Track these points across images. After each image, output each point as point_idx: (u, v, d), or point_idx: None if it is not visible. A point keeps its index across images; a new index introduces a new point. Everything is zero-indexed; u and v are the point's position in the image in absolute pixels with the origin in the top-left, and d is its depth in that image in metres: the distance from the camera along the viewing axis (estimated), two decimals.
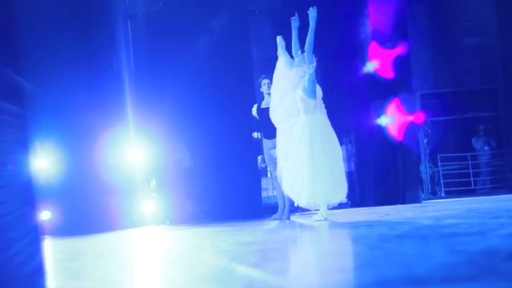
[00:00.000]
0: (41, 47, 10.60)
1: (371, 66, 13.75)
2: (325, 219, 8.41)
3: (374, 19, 13.75)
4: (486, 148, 17.32)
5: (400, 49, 13.75)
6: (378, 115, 13.75)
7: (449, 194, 16.77)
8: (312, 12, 8.70)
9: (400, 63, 13.82)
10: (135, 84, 12.84)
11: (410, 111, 14.00)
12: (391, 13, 13.76)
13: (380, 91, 13.70)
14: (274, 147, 10.10)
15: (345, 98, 14.03)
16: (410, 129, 14.12)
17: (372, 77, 13.78)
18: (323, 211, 8.51)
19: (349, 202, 14.44)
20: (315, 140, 8.54)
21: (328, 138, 8.67)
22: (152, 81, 13.29)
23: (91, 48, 11.16)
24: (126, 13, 13.94)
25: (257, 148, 10.59)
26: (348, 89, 13.95)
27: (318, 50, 14.51)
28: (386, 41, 13.79)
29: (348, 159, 14.67)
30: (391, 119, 13.72)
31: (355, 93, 13.93)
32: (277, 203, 10.28)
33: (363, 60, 13.86)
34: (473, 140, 17.43)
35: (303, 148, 8.53)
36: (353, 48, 13.94)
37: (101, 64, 11.36)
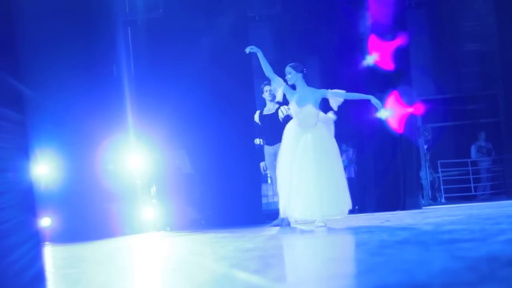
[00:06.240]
0: (42, 53, 10.61)
1: (371, 59, 13.71)
2: (325, 225, 8.40)
3: (373, 11, 13.72)
4: (486, 155, 17.28)
5: (399, 41, 13.71)
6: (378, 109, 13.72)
7: (450, 200, 16.77)
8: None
9: (400, 55, 13.77)
10: (135, 91, 12.84)
11: (410, 103, 13.96)
12: (390, 4, 13.74)
13: (380, 84, 13.61)
14: (276, 153, 10.09)
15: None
16: (410, 132, 14.07)
17: (372, 71, 13.74)
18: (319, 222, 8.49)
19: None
20: (306, 154, 8.45)
21: (323, 151, 8.53)
22: (152, 88, 13.29)
23: (91, 55, 11.17)
24: (126, 19, 13.96)
25: (258, 154, 10.58)
26: (348, 84, 13.80)
27: (317, 45, 14.52)
28: (385, 33, 13.75)
29: (348, 165, 14.66)
30: (391, 112, 13.67)
31: (356, 89, 13.82)
32: (277, 209, 10.26)
33: (362, 54, 13.82)
34: (472, 148, 17.36)
35: (295, 163, 8.47)
36: (352, 41, 13.90)
37: (101, 71, 11.36)
